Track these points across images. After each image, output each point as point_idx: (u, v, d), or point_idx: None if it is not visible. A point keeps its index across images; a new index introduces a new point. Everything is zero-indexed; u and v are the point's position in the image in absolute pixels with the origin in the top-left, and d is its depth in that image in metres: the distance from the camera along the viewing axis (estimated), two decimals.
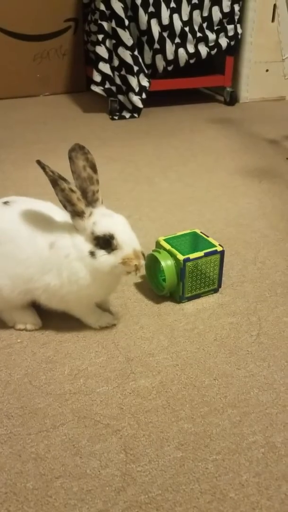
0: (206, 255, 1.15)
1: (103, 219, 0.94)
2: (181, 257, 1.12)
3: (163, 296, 1.19)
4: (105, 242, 0.93)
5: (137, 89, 2.65)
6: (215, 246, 1.17)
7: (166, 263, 1.13)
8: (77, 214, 0.94)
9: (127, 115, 2.71)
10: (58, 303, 1.04)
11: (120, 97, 2.71)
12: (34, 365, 0.98)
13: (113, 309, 1.15)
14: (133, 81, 2.62)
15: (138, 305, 1.18)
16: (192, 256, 1.13)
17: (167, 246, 1.16)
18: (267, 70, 2.99)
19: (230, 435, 0.83)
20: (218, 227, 1.53)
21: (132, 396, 0.91)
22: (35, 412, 0.88)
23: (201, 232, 1.24)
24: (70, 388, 0.93)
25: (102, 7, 2.51)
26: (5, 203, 1.03)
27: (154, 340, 1.06)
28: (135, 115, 2.71)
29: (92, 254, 0.94)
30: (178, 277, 1.14)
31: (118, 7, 2.48)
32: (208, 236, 1.21)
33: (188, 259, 1.12)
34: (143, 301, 1.19)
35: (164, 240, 1.20)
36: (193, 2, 2.62)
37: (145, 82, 2.68)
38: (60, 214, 1.02)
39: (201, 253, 1.14)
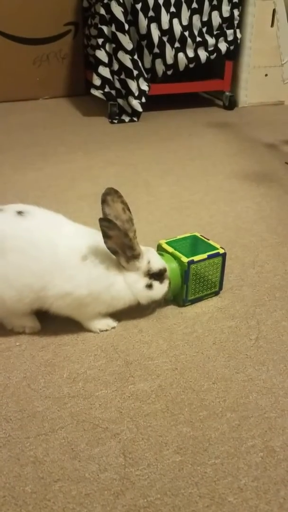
0: (209, 257, 1.15)
1: (153, 255, 1.09)
2: (185, 259, 1.12)
3: (165, 300, 1.19)
4: (160, 275, 1.08)
5: (136, 93, 2.66)
6: (216, 248, 1.18)
7: (171, 266, 1.13)
8: (135, 257, 1.03)
9: (127, 119, 2.72)
10: (71, 309, 1.04)
11: (120, 101, 2.72)
12: (33, 369, 0.98)
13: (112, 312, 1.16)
14: (132, 85, 2.63)
15: (137, 308, 1.17)
16: (196, 258, 1.13)
17: (170, 249, 1.17)
18: (266, 75, 3.00)
19: (229, 439, 0.83)
20: (217, 230, 1.54)
21: (131, 399, 0.91)
22: (33, 415, 0.87)
23: (201, 235, 1.24)
24: (69, 392, 0.93)
25: (102, 11, 2.52)
26: (19, 212, 1.01)
27: (153, 344, 1.06)
28: (135, 119, 2.71)
29: (149, 286, 1.07)
30: (182, 280, 1.14)
31: (118, 11, 2.49)
32: (208, 239, 1.22)
33: (192, 262, 1.12)
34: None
35: (166, 243, 1.20)
36: (193, 6, 2.64)
37: (144, 86, 2.69)
38: (72, 227, 1.06)
39: (204, 256, 1.15)
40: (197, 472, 0.78)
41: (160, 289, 1.08)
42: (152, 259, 1.07)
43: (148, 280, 1.06)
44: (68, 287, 0.99)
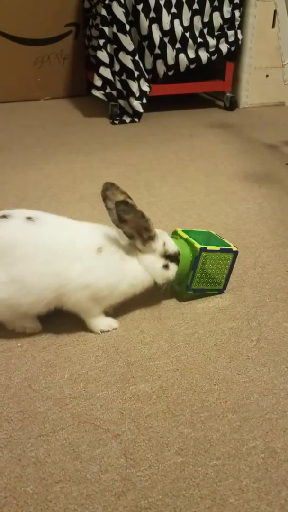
0: (222, 251, 1.16)
1: (168, 239, 1.13)
2: (198, 245, 1.13)
3: (171, 300, 1.20)
4: (175, 257, 1.13)
5: (137, 94, 2.66)
6: (230, 245, 1.19)
7: (183, 251, 1.14)
8: (151, 238, 1.07)
9: (128, 119, 2.72)
10: (86, 303, 1.05)
11: (121, 101, 2.72)
12: (34, 369, 0.98)
13: (113, 313, 1.16)
14: (133, 85, 2.63)
15: (138, 309, 1.18)
16: (209, 247, 1.14)
17: (184, 235, 1.18)
18: (267, 76, 3.00)
19: (230, 440, 0.83)
20: (218, 231, 1.53)
21: (132, 400, 0.91)
22: (35, 416, 0.87)
23: (216, 233, 1.25)
24: (70, 393, 0.93)
25: (104, 12, 2.52)
26: (29, 218, 1.01)
27: (154, 345, 1.06)
28: (136, 119, 2.72)
29: (166, 266, 1.11)
30: (190, 266, 1.15)
31: (119, 12, 2.49)
32: (223, 238, 1.23)
33: (205, 249, 1.13)
34: (143, 306, 1.19)
35: (182, 231, 1.21)
36: (194, 7, 2.64)
37: (145, 87, 2.69)
38: (80, 224, 1.09)
39: (217, 248, 1.16)
40: (198, 473, 0.78)
41: (175, 268, 1.13)
42: (167, 241, 1.12)
43: (164, 261, 1.11)
44: (88, 279, 1.01)
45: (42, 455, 0.80)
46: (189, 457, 0.80)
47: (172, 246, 1.13)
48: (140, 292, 1.12)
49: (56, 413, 0.88)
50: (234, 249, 1.18)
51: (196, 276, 1.16)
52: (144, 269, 1.09)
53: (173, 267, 1.13)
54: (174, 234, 1.21)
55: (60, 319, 1.13)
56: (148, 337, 1.08)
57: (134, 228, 1.05)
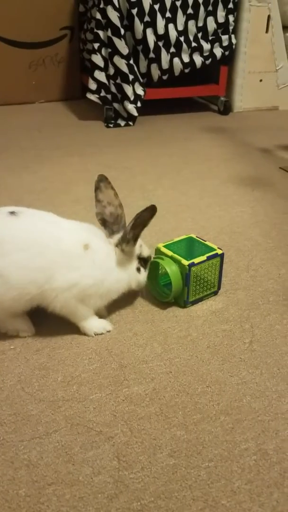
0: (209, 258, 1.16)
1: (142, 243, 1.15)
2: (186, 262, 1.13)
3: (167, 303, 1.20)
4: (145, 262, 1.16)
5: (132, 98, 2.67)
6: (214, 249, 1.19)
7: (172, 269, 1.14)
8: (136, 238, 1.09)
9: (122, 123, 2.73)
10: (73, 303, 1.03)
11: (115, 105, 2.73)
12: (27, 372, 0.98)
13: (107, 315, 1.16)
14: (128, 89, 2.64)
15: (132, 312, 1.18)
16: (196, 260, 1.14)
17: (169, 253, 1.17)
18: (261, 80, 3.02)
19: (222, 442, 0.84)
20: (212, 234, 1.55)
21: (125, 403, 0.91)
22: (27, 418, 0.87)
23: (197, 236, 1.25)
24: (63, 395, 0.93)
25: (98, 16, 2.53)
26: (12, 213, 1.01)
27: (147, 347, 1.06)
28: (130, 123, 2.73)
29: (138, 270, 1.14)
30: (183, 283, 1.15)
31: (114, 16, 2.50)
32: (205, 240, 1.23)
33: (193, 264, 1.13)
34: (136, 308, 1.19)
35: (164, 246, 1.21)
36: (188, 12, 2.66)
37: (140, 90, 2.70)
38: (66, 221, 1.08)
39: (204, 257, 1.16)
40: (191, 475, 0.78)
41: (144, 275, 1.16)
42: (143, 244, 1.15)
43: (137, 263, 1.13)
44: (75, 277, 1.00)
45: (34, 458, 0.80)
46: (182, 459, 0.81)
47: (146, 250, 1.16)
48: (127, 290, 1.12)
49: (49, 416, 0.88)
50: (219, 252, 1.19)
51: (191, 290, 1.17)
52: (123, 270, 1.10)
53: (143, 272, 1.15)
54: (158, 253, 1.20)
55: (54, 322, 1.13)
56: (142, 340, 1.08)
57: (137, 231, 1.08)
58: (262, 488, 0.76)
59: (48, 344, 1.06)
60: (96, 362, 1.01)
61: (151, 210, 1.03)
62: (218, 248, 1.20)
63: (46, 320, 1.13)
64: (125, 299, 1.22)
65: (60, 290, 1.00)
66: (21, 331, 1.08)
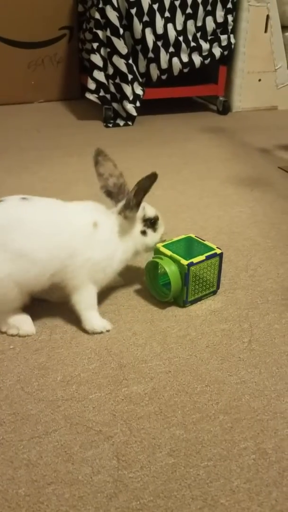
0: (208, 258, 1.16)
1: (147, 205, 1.18)
2: (185, 262, 1.13)
3: (165, 302, 1.20)
4: (153, 223, 1.18)
5: (131, 97, 2.67)
6: (213, 249, 1.19)
7: (171, 269, 1.14)
8: (139, 204, 1.12)
9: (121, 123, 2.73)
10: (86, 280, 1.08)
11: (115, 105, 2.73)
12: (26, 372, 0.98)
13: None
14: (127, 89, 2.64)
15: (131, 311, 1.18)
16: (195, 260, 1.14)
17: (168, 252, 1.17)
18: (259, 80, 3.03)
19: (221, 442, 0.84)
20: (211, 234, 1.55)
21: (124, 402, 0.92)
22: (27, 418, 0.88)
23: (196, 236, 1.25)
24: (63, 395, 0.93)
25: (97, 15, 2.53)
26: (23, 198, 1.08)
27: (146, 347, 1.06)
28: (129, 123, 2.73)
29: (143, 233, 1.17)
30: (182, 282, 1.15)
31: (113, 16, 2.50)
32: (204, 240, 1.23)
33: (192, 264, 1.13)
34: (136, 308, 1.19)
35: (163, 246, 1.21)
36: (187, 12, 2.66)
37: (139, 90, 2.70)
38: (72, 203, 1.13)
39: (203, 257, 1.16)
40: (190, 474, 0.78)
41: (153, 236, 1.18)
42: (146, 206, 1.17)
43: (142, 226, 1.16)
44: (89, 253, 1.06)
45: (34, 457, 0.80)
46: (181, 458, 0.81)
47: (151, 210, 1.18)
48: (135, 255, 1.18)
49: (49, 415, 0.88)
50: (218, 251, 1.19)
51: (190, 290, 1.17)
52: (128, 236, 1.14)
53: (152, 234, 1.18)
54: (157, 253, 1.20)
55: (53, 322, 1.13)
56: (141, 339, 1.09)
57: (140, 197, 1.11)
58: (261, 487, 0.77)
59: (47, 344, 1.06)
60: (95, 361, 1.02)
61: (152, 177, 1.08)
62: (217, 247, 1.20)
63: (46, 320, 1.14)
64: (124, 298, 1.22)
65: (76, 267, 1.05)
66: (22, 330, 1.08)
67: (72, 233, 1.06)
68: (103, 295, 1.22)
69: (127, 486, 0.76)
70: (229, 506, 0.74)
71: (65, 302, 1.19)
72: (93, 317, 1.11)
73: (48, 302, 1.19)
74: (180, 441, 0.84)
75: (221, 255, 1.20)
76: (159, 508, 0.73)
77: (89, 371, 0.99)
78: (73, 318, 1.14)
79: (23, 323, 1.09)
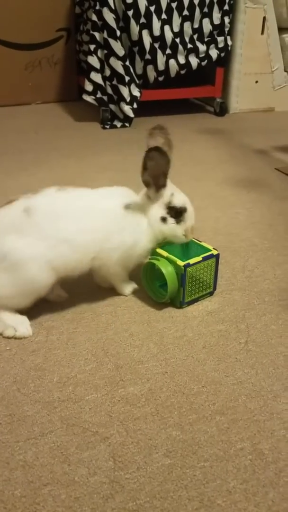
0: (204, 259, 1.17)
1: (179, 193, 1.15)
2: (181, 263, 1.13)
3: (162, 303, 1.20)
4: (178, 213, 1.14)
5: (128, 99, 2.67)
6: (209, 250, 1.19)
7: (167, 270, 1.14)
8: (163, 185, 1.12)
9: (119, 124, 2.73)
10: (116, 260, 1.14)
11: (112, 106, 2.73)
12: (23, 373, 0.98)
13: (104, 316, 1.16)
14: (124, 91, 2.64)
15: (128, 312, 1.18)
16: (191, 261, 1.14)
17: (165, 253, 1.17)
18: (256, 82, 3.03)
19: (218, 442, 0.84)
20: (208, 235, 1.55)
21: (121, 403, 0.92)
22: (23, 419, 0.87)
23: (193, 237, 1.25)
24: (59, 396, 0.93)
25: (94, 17, 2.54)
26: (59, 189, 1.14)
27: (143, 348, 1.06)
28: (127, 124, 2.73)
29: (163, 219, 1.14)
30: (179, 283, 1.15)
31: (110, 18, 2.51)
32: (200, 241, 1.23)
33: (188, 265, 1.13)
34: (133, 309, 1.19)
35: (160, 247, 1.21)
36: (184, 14, 2.66)
37: (136, 92, 2.71)
38: (101, 190, 1.18)
39: (199, 258, 1.16)
40: (186, 475, 0.78)
41: (174, 228, 1.15)
42: (176, 194, 1.15)
43: (164, 212, 1.14)
44: (121, 235, 1.11)
45: (30, 458, 0.80)
46: (177, 459, 0.81)
47: (179, 200, 1.14)
48: (154, 242, 1.18)
49: (45, 417, 0.88)
50: (215, 252, 1.19)
51: (187, 291, 1.17)
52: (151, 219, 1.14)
53: (172, 224, 1.15)
54: (154, 254, 1.20)
55: (50, 323, 1.13)
56: (138, 340, 1.09)
57: (152, 176, 1.11)
58: (257, 487, 0.77)
59: (44, 345, 1.06)
60: (92, 362, 1.02)
61: (160, 152, 1.07)
62: (213, 248, 1.20)
63: (41, 321, 1.14)
64: (121, 299, 1.22)
65: (111, 249, 1.11)
66: (19, 331, 1.08)
67: (105, 216, 1.10)
68: (100, 296, 1.22)
69: (123, 487, 0.76)
70: (225, 507, 0.74)
71: (61, 302, 1.20)
72: (124, 285, 1.23)
73: (45, 303, 1.19)
74: (176, 442, 0.84)
75: (217, 256, 1.20)
76: (155, 509, 0.73)
77: (85, 372, 0.99)
78: (70, 319, 1.14)
79: (20, 325, 1.09)
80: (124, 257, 1.15)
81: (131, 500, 0.74)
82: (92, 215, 1.10)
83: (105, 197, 1.15)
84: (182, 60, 2.74)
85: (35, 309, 1.16)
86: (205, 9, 2.70)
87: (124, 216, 1.13)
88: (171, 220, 1.15)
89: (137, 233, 1.14)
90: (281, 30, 2.99)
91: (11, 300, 1.08)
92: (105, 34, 2.54)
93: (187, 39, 2.73)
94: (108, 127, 2.71)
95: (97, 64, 2.62)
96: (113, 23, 2.51)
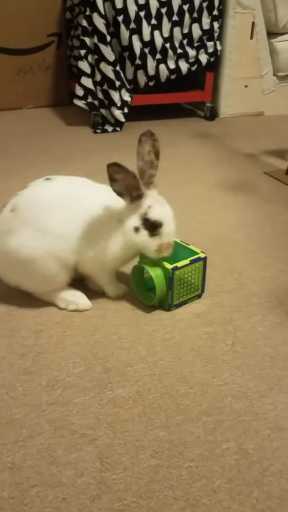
0: (192, 262, 1.18)
1: (158, 206, 1.11)
2: (169, 266, 1.14)
3: (151, 306, 1.21)
4: (152, 227, 1.10)
5: (119, 104, 2.69)
6: (197, 253, 1.21)
7: (156, 273, 1.15)
8: (139, 196, 1.10)
9: (110, 128, 2.75)
10: (93, 265, 1.17)
11: (103, 111, 2.75)
12: (11, 377, 0.99)
13: (93, 319, 1.17)
14: (115, 95, 2.66)
15: (117, 315, 1.19)
16: (179, 264, 1.16)
17: None
18: (246, 86, 3.06)
19: (204, 443, 0.85)
20: (197, 239, 1.56)
21: (109, 405, 0.93)
22: (11, 422, 0.88)
23: (180, 241, 1.27)
24: (47, 399, 0.94)
25: (84, 23, 2.56)
26: (47, 179, 1.18)
27: (132, 350, 1.07)
28: (118, 129, 2.75)
29: (136, 229, 1.10)
30: (167, 286, 1.16)
31: (100, 23, 2.53)
32: (188, 244, 1.25)
33: (176, 268, 1.15)
34: (122, 312, 1.20)
35: None
36: (173, 19, 2.69)
37: (127, 96, 2.73)
38: (98, 186, 1.19)
39: (187, 261, 1.17)
40: (172, 475, 0.79)
41: (144, 239, 1.10)
42: (154, 207, 1.10)
43: (139, 223, 1.10)
44: (92, 237, 1.13)
45: (18, 461, 0.81)
46: (164, 460, 0.82)
47: (156, 213, 1.09)
48: (125, 251, 1.16)
49: (33, 419, 0.89)
50: (202, 255, 1.21)
51: (175, 293, 1.18)
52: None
53: (145, 236, 1.10)
54: (142, 257, 1.21)
55: (39, 327, 1.14)
56: (126, 343, 1.10)
57: (123, 187, 1.08)
58: (242, 486, 0.78)
59: (32, 348, 1.07)
60: (80, 366, 1.03)
61: (107, 167, 1.05)
62: (201, 251, 1.22)
63: (31, 325, 1.15)
64: (111, 303, 1.24)
65: (85, 247, 1.13)
66: (80, 304, 1.19)
67: (83, 214, 1.12)
68: (90, 299, 1.23)
69: (110, 488, 0.77)
70: (210, 506, 0.75)
71: (50, 306, 1.21)
72: (112, 287, 1.24)
73: (33, 307, 1.20)
74: (163, 442, 0.85)
75: (205, 259, 1.21)
76: (141, 508, 0.74)
77: (74, 375, 1.00)
78: (59, 323, 1.15)
79: (79, 298, 1.20)
80: (97, 259, 1.15)
81: (118, 500, 0.75)
82: (70, 209, 1.12)
83: (87, 193, 1.16)
84: (172, 65, 2.77)
85: (24, 313, 1.17)
86: (195, 14, 2.73)
87: (99, 217, 1.13)
88: (143, 232, 1.10)
89: (109, 237, 1.13)
90: (270, 34, 3.01)
91: (40, 287, 1.19)
92: (95, 39, 2.56)
93: (177, 44, 2.75)
94: (99, 131, 2.72)
95: (87, 69, 2.64)
96: (103, 29, 2.53)
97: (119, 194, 1.09)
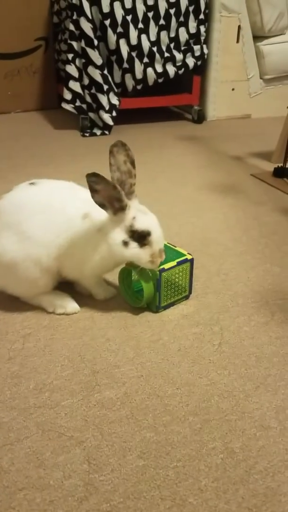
0: (179, 264, 1.19)
1: (142, 216, 1.09)
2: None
3: (139, 308, 1.22)
4: (141, 237, 1.08)
5: (107, 107, 2.70)
6: (184, 255, 1.22)
7: (143, 274, 1.16)
8: (122, 208, 1.06)
9: (98, 132, 2.75)
10: (76, 272, 1.17)
11: (91, 114, 2.76)
12: None
13: (81, 322, 1.18)
14: (103, 99, 2.67)
15: (105, 318, 1.20)
16: (166, 266, 1.17)
17: None
18: (233, 89, 3.09)
19: (190, 442, 0.86)
20: (184, 240, 1.58)
21: (96, 407, 0.93)
22: None
23: (168, 243, 1.28)
24: (35, 402, 0.94)
25: (72, 27, 2.57)
26: (32, 183, 1.18)
27: (120, 352, 1.08)
28: (106, 132, 2.76)
29: (125, 243, 1.08)
30: (155, 288, 1.17)
31: (87, 27, 2.54)
32: (175, 246, 1.26)
33: (163, 270, 1.16)
34: (110, 314, 1.21)
35: None
36: (160, 23, 2.71)
37: (115, 100, 2.74)
38: (82, 191, 1.15)
39: (174, 263, 1.18)
40: (159, 476, 0.80)
41: (136, 252, 1.08)
42: (138, 217, 1.08)
43: (126, 236, 1.07)
44: (76, 244, 1.12)
45: (6, 464, 0.81)
46: (151, 460, 0.83)
47: (142, 223, 1.07)
48: (112, 263, 1.16)
49: (21, 423, 0.89)
50: (189, 257, 1.22)
51: (163, 295, 1.19)
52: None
53: (135, 248, 1.07)
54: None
55: (27, 330, 1.14)
56: (114, 345, 1.10)
57: (105, 198, 1.05)
58: (228, 485, 0.79)
59: (20, 352, 1.07)
60: (68, 368, 1.03)
61: (87, 177, 1.02)
62: (188, 253, 1.23)
63: (18, 329, 1.15)
64: (99, 305, 1.24)
65: (68, 256, 1.13)
66: (68, 308, 1.19)
67: (63, 221, 1.11)
68: (78, 302, 1.24)
69: (97, 489, 0.77)
70: (197, 505, 0.76)
71: (38, 309, 1.21)
72: (100, 290, 1.25)
73: (21, 310, 1.20)
74: (150, 443, 0.86)
75: (191, 260, 1.22)
76: (128, 509, 0.75)
77: (62, 378, 1.00)
78: (47, 326, 1.16)
79: (67, 301, 1.20)
80: (77, 268, 1.15)
81: (105, 502, 0.76)
82: (50, 215, 1.11)
83: (69, 199, 1.13)
84: (159, 68, 2.79)
85: (12, 316, 1.17)
86: (181, 18, 2.75)
87: (79, 225, 1.11)
88: (133, 244, 1.07)
89: (88, 247, 1.11)
90: (255, 38, 3.04)
91: (24, 291, 1.20)
92: (82, 43, 2.57)
93: (164, 48, 2.77)
94: (87, 135, 2.73)
95: (75, 73, 2.65)
96: (90, 33, 2.54)
97: (102, 206, 1.06)
